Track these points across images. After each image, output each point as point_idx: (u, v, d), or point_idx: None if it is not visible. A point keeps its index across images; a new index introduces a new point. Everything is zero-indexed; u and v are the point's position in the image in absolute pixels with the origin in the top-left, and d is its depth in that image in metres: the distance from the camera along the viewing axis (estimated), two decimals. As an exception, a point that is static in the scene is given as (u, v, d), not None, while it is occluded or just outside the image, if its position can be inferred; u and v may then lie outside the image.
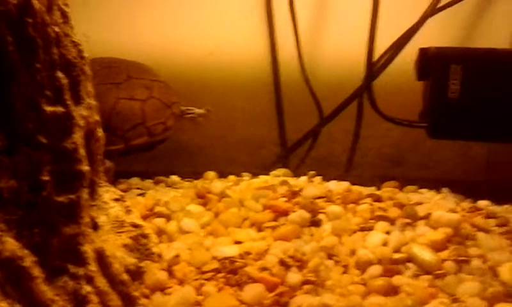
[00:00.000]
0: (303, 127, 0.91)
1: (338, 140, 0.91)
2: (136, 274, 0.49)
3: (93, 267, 0.43)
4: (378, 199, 0.67)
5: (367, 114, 0.87)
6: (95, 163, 0.49)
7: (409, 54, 0.80)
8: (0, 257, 0.36)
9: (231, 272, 0.52)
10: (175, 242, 0.59)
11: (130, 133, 0.73)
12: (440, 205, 0.66)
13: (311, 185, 0.72)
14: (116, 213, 0.52)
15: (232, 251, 0.55)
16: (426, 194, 0.72)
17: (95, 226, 0.47)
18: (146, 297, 0.49)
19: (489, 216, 0.64)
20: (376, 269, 0.53)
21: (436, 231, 0.58)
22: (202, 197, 0.68)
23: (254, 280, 0.50)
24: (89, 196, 0.46)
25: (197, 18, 0.89)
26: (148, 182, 0.79)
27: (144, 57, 0.83)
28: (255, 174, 0.78)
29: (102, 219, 0.49)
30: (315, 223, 0.61)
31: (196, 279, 0.51)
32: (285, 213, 0.62)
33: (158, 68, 0.82)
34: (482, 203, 0.68)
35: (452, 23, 0.88)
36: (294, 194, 0.67)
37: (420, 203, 0.66)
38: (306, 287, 0.50)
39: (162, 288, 0.50)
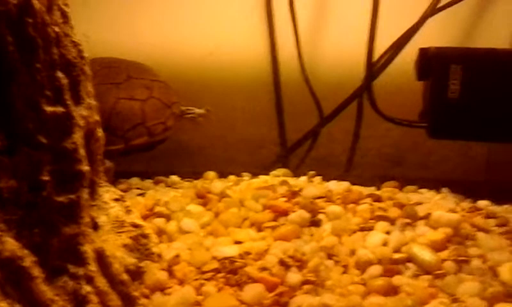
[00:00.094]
0: (303, 127, 0.91)
1: (338, 140, 0.91)
2: (136, 274, 0.49)
3: (93, 267, 0.43)
4: (378, 199, 0.67)
5: (367, 114, 0.87)
6: (95, 163, 0.49)
7: (409, 54, 0.80)
8: (0, 257, 0.36)
9: (231, 272, 0.52)
10: (174, 242, 0.59)
11: (130, 134, 0.73)
12: (440, 205, 0.66)
13: (311, 185, 0.72)
14: (116, 213, 0.52)
15: (231, 251, 0.55)
16: (426, 194, 0.72)
17: (95, 226, 0.47)
18: (146, 297, 0.49)
19: (489, 216, 0.64)
20: (375, 269, 0.53)
21: (436, 231, 0.58)
22: (202, 197, 0.68)
23: (254, 280, 0.50)
24: (89, 196, 0.46)
25: (197, 18, 0.89)
26: (148, 182, 0.79)
27: (144, 57, 0.83)
28: (254, 174, 0.78)
29: (102, 219, 0.49)
30: (315, 223, 0.61)
31: (196, 279, 0.51)
32: (285, 213, 0.62)
33: (158, 68, 0.82)
34: (482, 203, 0.68)
35: (452, 24, 0.88)
36: (293, 194, 0.67)
37: (420, 203, 0.66)
38: (306, 287, 0.50)
39: (162, 288, 0.50)
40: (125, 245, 0.50)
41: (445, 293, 0.50)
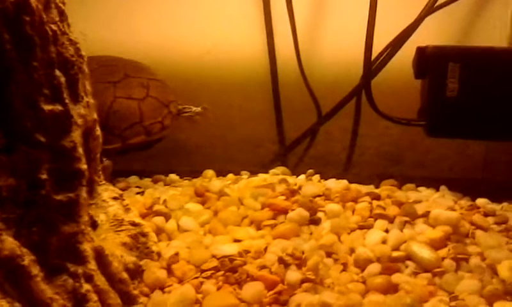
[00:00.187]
0: (302, 125, 0.90)
1: (337, 138, 0.91)
2: (135, 273, 0.49)
3: (92, 266, 0.43)
4: (377, 197, 0.67)
5: (365, 113, 0.87)
6: (93, 161, 0.49)
7: (407, 52, 0.80)
8: (-1, 256, 0.36)
9: (230, 271, 0.52)
10: (174, 241, 0.59)
11: (127, 132, 0.73)
12: (439, 203, 0.66)
13: (310, 184, 0.72)
14: (115, 211, 0.52)
15: (231, 249, 0.55)
16: (424, 192, 0.73)
17: (94, 225, 0.47)
18: (146, 295, 0.49)
19: (487, 214, 0.64)
20: (375, 267, 0.53)
21: (434, 229, 0.58)
22: (201, 196, 0.68)
23: (253, 278, 0.50)
24: (88, 195, 0.46)
25: (194, 17, 0.89)
26: (147, 181, 0.79)
27: (141, 56, 0.82)
28: (253, 173, 0.78)
29: (101, 218, 0.49)
30: (314, 221, 0.61)
31: (196, 278, 0.51)
32: (284, 211, 0.62)
33: (155, 66, 0.81)
34: (480, 201, 0.68)
35: (449, 22, 0.88)
36: (292, 192, 0.67)
37: (418, 201, 0.66)
38: (305, 285, 0.50)
39: (161, 287, 0.50)
40: (124, 244, 0.50)
41: (444, 291, 0.50)
